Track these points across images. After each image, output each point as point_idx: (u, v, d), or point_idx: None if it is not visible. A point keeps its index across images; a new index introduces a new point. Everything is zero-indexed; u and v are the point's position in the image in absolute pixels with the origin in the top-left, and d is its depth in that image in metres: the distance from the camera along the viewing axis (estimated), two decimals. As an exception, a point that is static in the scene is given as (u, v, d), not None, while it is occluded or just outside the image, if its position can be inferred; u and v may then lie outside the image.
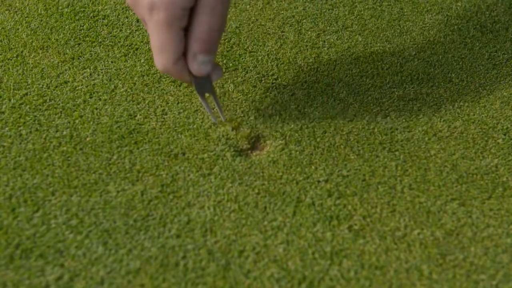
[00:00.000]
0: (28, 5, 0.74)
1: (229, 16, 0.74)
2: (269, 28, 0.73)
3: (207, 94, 0.60)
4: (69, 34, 0.71)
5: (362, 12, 0.76)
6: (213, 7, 0.55)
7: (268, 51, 0.70)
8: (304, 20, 0.74)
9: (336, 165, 0.58)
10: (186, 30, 0.55)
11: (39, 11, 0.74)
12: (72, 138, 0.60)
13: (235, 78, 0.67)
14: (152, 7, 0.53)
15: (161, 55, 0.56)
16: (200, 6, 0.54)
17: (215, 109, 0.63)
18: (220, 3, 0.55)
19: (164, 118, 0.62)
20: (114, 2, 0.75)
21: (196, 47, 0.56)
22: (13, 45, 0.69)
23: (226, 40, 0.71)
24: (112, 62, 0.68)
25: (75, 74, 0.66)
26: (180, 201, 0.55)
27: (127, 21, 0.73)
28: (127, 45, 0.70)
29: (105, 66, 0.67)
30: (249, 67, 0.68)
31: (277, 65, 0.68)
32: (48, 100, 0.63)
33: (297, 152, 0.59)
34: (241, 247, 0.52)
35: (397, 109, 0.64)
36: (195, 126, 0.61)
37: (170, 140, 0.60)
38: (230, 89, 0.65)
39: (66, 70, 0.67)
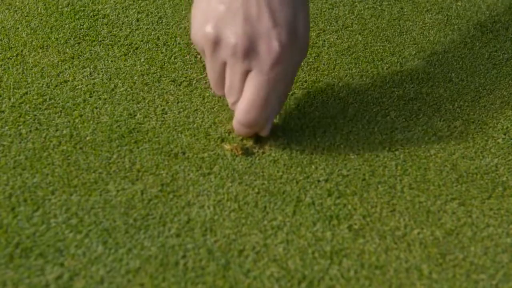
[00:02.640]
0: (28, 4, 0.74)
1: (229, 15, 0.74)
2: (269, 27, 0.73)
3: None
4: (69, 33, 0.71)
5: (362, 12, 0.76)
6: (294, 73, 0.56)
7: (268, 50, 0.70)
8: (304, 20, 0.74)
9: (336, 165, 0.58)
10: None
11: (39, 10, 0.74)
12: (72, 137, 0.59)
13: (235, 78, 0.67)
14: (279, 61, 0.52)
15: (261, 109, 0.54)
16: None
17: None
18: (297, 71, 0.57)
19: (164, 118, 0.62)
20: (114, 1, 0.75)
21: (278, 108, 0.57)
22: (13, 44, 0.69)
23: (226, 39, 0.71)
24: (112, 61, 0.68)
25: (75, 73, 0.66)
26: (180, 200, 0.55)
27: (127, 20, 0.73)
28: (127, 44, 0.70)
29: (105, 65, 0.67)
30: (249, 67, 0.68)
31: (277, 64, 0.68)
32: (48, 99, 0.63)
33: (297, 152, 0.59)
34: (241, 246, 0.52)
35: (397, 108, 0.64)
36: (195, 125, 0.61)
37: (170, 139, 0.60)
38: (230, 89, 0.65)
39: (66, 69, 0.67)
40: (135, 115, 0.62)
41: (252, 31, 0.52)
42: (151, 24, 0.73)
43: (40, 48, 0.69)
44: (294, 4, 0.53)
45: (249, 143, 0.60)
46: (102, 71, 0.67)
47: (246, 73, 0.54)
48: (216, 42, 0.53)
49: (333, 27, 0.74)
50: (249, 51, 0.52)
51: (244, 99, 0.54)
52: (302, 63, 0.69)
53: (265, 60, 0.52)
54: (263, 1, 0.52)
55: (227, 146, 0.59)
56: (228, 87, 0.55)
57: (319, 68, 0.68)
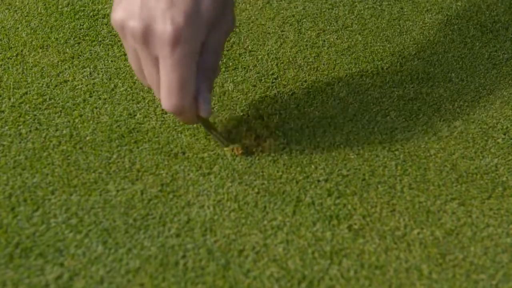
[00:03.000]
0: (28, 4, 0.74)
1: (229, 15, 0.74)
2: (269, 27, 0.73)
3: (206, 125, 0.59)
4: (69, 33, 0.71)
5: (362, 12, 0.76)
6: (218, 48, 0.53)
7: (268, 50, 0.70)
8: (304, 20, 0.74)
9: (336, 165, 0.58)
10: None
11: (39, 10, 0.74)
12: (72, 137, 0.59)
13: (235, 78, 0.67)
14: (177, 41, 0.49)
15: (179, 93, 0.52)
16: (207, 44, 0.52)
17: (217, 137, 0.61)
18: (223, 45, 0.53)
19: (164, 117, 0.62)
20: (114, 1, 0.75)
21: (204, 86, 0.54)
22: (13, 44, 0.69)
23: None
24: (112, 61, 0.68)
25: (75, 73, 0.66)
26: (180, 200, 0.55)
27: (127, 20, 0.73)
28: (127, 44, 0.70)
29: (105, 65, 0.67)
30: (249, 67, 0.68)
31: (277, 64, 0.68)
32: (48, 99, 0.63)
33: (297, 152, 0.59)
34: (240, 246, 0.52)
35: (397, 108, 0.64)
36: (195, 125, 0.61)
37: (170, 139, 0.60)
38: (229, 89, 0.65)
39: (66, 69, 0.67)
40: (135, 115, 0.62)
41: (148, 15, 0.49)
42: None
43: (40, 48, 0.69)
44: None
45: (249, 143, 0.60)
46: (102, 71, 0.67)
47: (156, 59, 0.51)
48: (121, 29, 0.51)
49: (333, 27, 0.74)
50: (147, 35, 0.50)
51: (162, 86, 0.52)
52: (302, 63, 0.69)
53: (163, 42, 0.50)
54: None
55: (226, 148, 0.59)
56: (147, 77, 0.53)
57: (319, 68, 0.68)
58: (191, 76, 0.52)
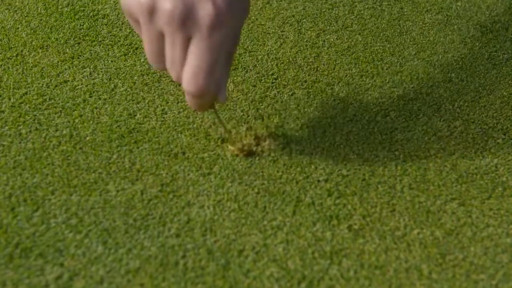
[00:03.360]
0: (28, 4, 0.74)
1: (229, 15, 0.74)
2: (269, 27, 0.73)
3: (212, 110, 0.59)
4: (69, 33, 0.71)
5: (362, 12, 0.76)
6: (237, 35, 0.53)
7: (268, 50, 0.70)
8: (304, 20, 0.74)
9: (336, 165, 0.58)
10: None
11: (39, 10, 0.74)
12: (72, 137, 0.59)
13: (234, 78, 0.67)
14: (217, 25, 0.49)
15: (208, 75, 0.51)
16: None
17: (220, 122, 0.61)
18: (240, 30, 0.53)
19: (164, 118, 0.62)
20: (113, 2, 0.75)
21: (227, 72, 0.53)
22: (13, 44, 0.69)
23: (226, 39, 0.71)
24: (112, 61, 0.68)
25: (75, 73, 0.66)
26: (180, 200, 0.55)
27: (127, 20, 0.73)
28: (127, 44, 0.70)
29: (105, 66, 0.67)
30: (248, 67, 0.68)
31: (277, 64, 0.68)
32: (47, 99, 0.63)
33: (297, 152, 0.59)
34: (240, 246, 0.52)
35: (397, 108, 0.64)
36: (195, 125, 0.61)
37: (170, 139, 0.60)
38: (229, 89, 0.65)
39: (66, 69, 0.67)
40: (135, 115, 0.62)
41: None
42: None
43: (40, 48, 0.69)
44: None
45: (249, 143, 0.60)
46: (102, 71, 0.67)
47: (187, 41, 0.50)
48: (151, 10, 0.50)
49: (333, 27, 0.74)
50: (186, 17, 0.49)
51: (189, 67, 0.51)
52: (302, 63, 0.69)
53: (203, 25, 0.49)
54: None
55: (228, 146, 0.59)
56: (170, 59, 0.52)
57: (319, 68, 0.68)
58: (222, 61, 0.51)
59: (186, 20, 0.49)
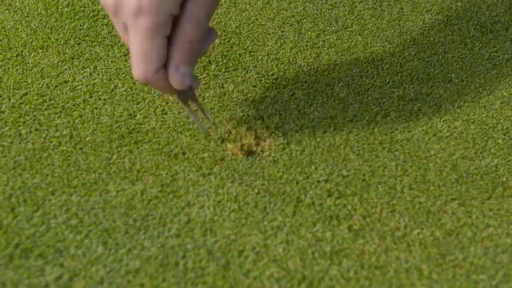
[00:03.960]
0: (28, 4, 0.74)
1: (229, 16, 0.74)
2: (269, 28, 0.73)
3: (190, 102, 0.58)
4: (69, 33, 0.71)
5: (362, 12, 0.76)
6: (199, 19, 0.53)
7: (268, 51, 0.70)
8: (304, 20, 0.74)
9: (336, 165, 0.58)
10: (168, 40, 0.53)
11: (39, 10, 0.74)
12: (72, 137, 0.60)
13: (235, 78, 0.67)
14: (138, 12, 0.51)
15: (143, 63, 0.53)
16: (184, 16, 0.52)
17: (201, 117, 0.61)
18: (204, 17, 0.53)
19: (164, 118, 0.62)
20: (114, 2, 0.75)
21: (178, 57, 0.54)
22: (13, 45, 0.69)
23: (226, 40, 0.71)
24: (112, 61, 0.68)
25: (75, 74, 0.66)
26: (180, 200, 0.55)
27: (127, 20, 0.73)
28: (127, 44, 0.70)
29: (105, 66, 0.67)
30: (249, 67, 0.68)
31: (277, 65, 0.68)
32: (48, 100, 0.63)
33: (297, 152, 0.59)
34: (241, 247, 0.52)
35: (397, 109, 0.64)
36: (195, 125, 0.61)
37: (170, 139, 0.60)
38: (230, 89, 0.65)
39: (66, 69, 0.67)
40: (135, 116, 0.62)
41: None
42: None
43: (40, 49, 0.69)
44: None
45: (249, 143, 0.60)
46: (102, 72, 0.67)
47: (126, 29, 0.53)
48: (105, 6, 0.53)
49: (333, 28, 0.74)
50: (116, 7, 0.52)
51: (131, 55, 0.54)
52: (302, 63, 0.69)
53: (128, 13, 0.51)
54: None
55: (227, 147, 0.59)
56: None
57: (319, 69, 0.68)
58: (156, 47, 0.52)
59: (116, 10, 0.52)
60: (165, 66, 0.54)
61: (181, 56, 0.54)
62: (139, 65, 0.53)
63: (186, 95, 0.57)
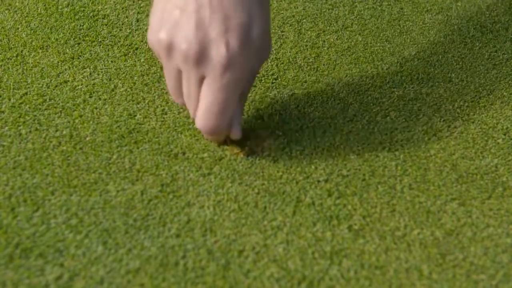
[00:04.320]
0: (27, 4, 0.74)
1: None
2: (269, 27, 0.73)
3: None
4: (69, 33, 0.71)
5: (362, 12, 0.76)
6: (254, 75, 0.56)
7: (268, 50, 0.70)
8: (304, 20, 0.74)
9: (336, 165, 0.58)
10: None
11: (39, 10, 0.74)
12: (72, 137, 0.60)
13: (235, 78, 0.67)
14: (229, 66, 0.51)
15: (219, 115, 0.54)
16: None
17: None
18: (257, 72, 0.56)
19: (164, 118, 0.62)
20: (114, 2, 0.75)
21: (239, 110, 0.57)
22: (13, 45, 0.69)
23: (226, 39, 0.71)
24: (112, 61, 0.68)
25: (75, 74, 0.66)
26: (180, 200, 0.55)
27: (127, 20, 0.73)
28: (127, 44, 0.70)
29: (105, 66, 0.67)
30: (249, 67, 0.68)
31: (277, 64, 0.68)
32: (48, 100, 0.63)
33: (297, 152, 0.59)
34: (240, 246, 0.52)
35: (397, 109, 0.64)
36: (195, 125, 0.61)
37: (170, 139, 0.60)
38: (230, 89, 0.65)
39: (66, 69, 0.67)
40: (135, 116, 0.62)
41: (203, 36, 0.51)
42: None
43: (40, 49, 0.69)
44: (249, 7, 0.52)
45: (249, 143, 0.60)
46: (102, 72, 0.67)
47: (201, 79, 0.53)
48: (169, 48, 0.52)
49: (333, 28, 0.74)
50: (201, 57, 0.51)
51: (201, 106, 0.54)
52: (302, 63, 0.69)
53: (215, 66, 0.51)
54: (216, 7, 0.50)
55: (227, 146, 0.59)
56: (186, 95, 0.55)
57: (319, 68, 0.68)
58: (234, 101, 0.54)
59: (199, 60, 0.51)
60: None
61: (241, 108, 0.57)
62: (215, 117, 0.54)
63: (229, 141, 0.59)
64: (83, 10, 0.74)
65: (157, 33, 0.52)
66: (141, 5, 0.76)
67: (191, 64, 0.52)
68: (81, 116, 0.62)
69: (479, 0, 0.79)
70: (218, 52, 0.51)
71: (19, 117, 0.61)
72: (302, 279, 0.50)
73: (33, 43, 0.69)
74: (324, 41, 0.72)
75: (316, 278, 0.50)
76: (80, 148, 0.59)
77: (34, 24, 0.72)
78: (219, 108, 0.53)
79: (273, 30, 0.73)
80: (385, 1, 0.78)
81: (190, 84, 0.54)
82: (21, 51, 0.68)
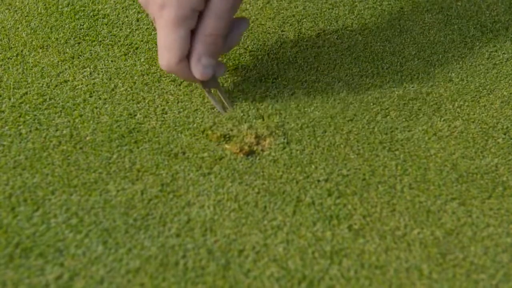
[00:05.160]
0: (28, 4, 0.74)
1: (229, 15, 0.74)
2: (269, 27, 0.73)
3: (213, 90, 0.62)
4: (69, 33, 0.71)
5: (362, 12, 0.76)
6: (222, 12, 0.56)
7: (268, 50, 0.70)
8: (304, 20, 0.74)
9: (336, 165, 0.58)
10: (193, 33, 0.56)
11: (39, 10, 0.74)
12: (72, 137, 0.60)
13: (235, 77, 0.67)
14: (163, 5, 0.54)
15: (166, 53, 0.57)
16: (208, 10, 0.55)
17: (223, 103, 0.63)
18: (227, 11, 0.56)
19: (164, 117, 0.62)
20: (114, 1, 0.75)
21: (200, 49, 0.57)
22: (13, 44, 0.69)
23: (226, 39, 0.71)
24: (112, 61, 0.68)
25: (75, 73, 0.66)
26: (180, 200, 0.55)
27: (127, 20, 0.73)
28: (127, 44, 0.70)
29: (105, 65, 0.67)
30: (249, 67, 0.68)
31: (277, 64, 0.68)
32: (48, 99, 0.63)
33: (297, 152, 0.59)
34: (241, 246, 0.52)
35: (397, 108, 0.64)
36: (195, 125, 0.61)
37: (170, 139, 0.60)
38: (230, 89, 0.65)
39: (66, 69, 0.67)
40: (135, 115, 0.62)
41: None
42: (151, 24, 0.73)
43: (40, 48, 0.69)
44: None
45: (250, 143, 0.60)
46: (102, 71, 0.67)
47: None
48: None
49: (333, 27, 0.74)
50: (145, 2, 0.56)
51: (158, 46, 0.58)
52: (302, 62, 0.69)
53: (153, 7, 0.55)
54: None
55: (227, 146, 0.59)
56: None
57: (319, 68, 0.68)
58: (178, 39, 0.56)
59: (145, 5, 0.57)
60: (187, 57, 0.57)
61: (204, 48, 0.57)
62: (163, 55, 0.57)
63: (210, 84, 0.61)
64: (83, 9, 0.74)
65: None
66: (141, 4, 0.76)
67: (144, 7, 0.57)
68: (81, 115, 0.62)
69: (479, 0, 0.79)
70: None
71: (19, 116, 0.61)
72: (302, 279, 0.50)
73: (33, 43, 0.69)
74: (324, 41, 0.72)
75: (316, 278, 0.50)
76: (80, 148, 0.59)
77: (34, 24, 0.72)
78: (164, 46, 0.56)
79: (273, 30, 0.73)
80: (385, 0, 0.78)
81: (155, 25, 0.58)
82: (21, 51, 0.68)
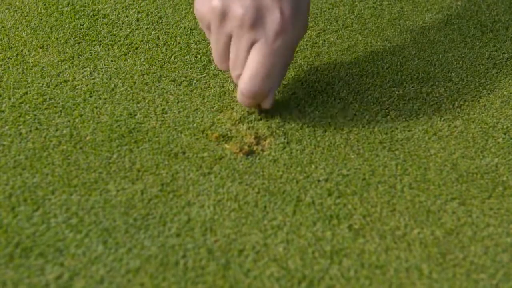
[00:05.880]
0: (28, 4, 0.74)
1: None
2: (269, 27, 0.73)
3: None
4: (69, 33, 0.71)
5: (362, 11, 0.76)
6: (294, 45, 0.58)
7: (268, 50, 0.70)
8: (304, 19, 0.74)
9: (336, 164, 0.58)
10: None
11: (39, 10, 0.74)
12: (72, 137, 0.59)
13: (235, 77, 0.67)
14: (282, 31, 0.54)
15: (264, 80, 0.56)
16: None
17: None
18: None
19: (164, 117, 0.62)
20: (114, 1, 0.75)
21: (280, 81, 0.59)
22: (13, 44, 0.69)
23: (226, 39, 0.71)
24: (112, 61, 0.68)
25: (75, 73, 0.66)
26: (180, 200, 0.55)
27: (127, 20, 0.73)
28: (127, 44, 0.70)
29: (105, 65, 0.67)
30: (249, 66, 0.68)
31: (277, 64, 0.68)
32: (48, 99, 0.63)
33: (298, 151, 0.59)
34: (241, 246, 0.52)
35: (397, 108, 0.64)
36: (195, 125, 0.61)
37: (170, 139, 0.60)
38: (230, 88, 0.65)
39: (66, 69, 0.67)
40: (135, 115, 0.62)
41: (258, 3, 0.54)
42: (151, 23, 0.73)
43: (40, 48, 0.69)
44: None
45: (250, 142, 0.60)
46: (102, 71, 0.67)
47: (252, 45, 0.55)
48: (223, 15, 0.55)
49: (333, 27, 0.74)
50: (256, 22, 0.54)
51: (248, 69, 0.56)
52: (302, 62, 0.69)
53: (269, 30, 0.54)
54: None
55: (227, 146, 0.59)
56: (233, 60, 0.57)
57: (319, 68, 0.68)
58: (278, 69, 0.57)
59: (254, 25, 0.54)
60: None
61: (281, 78, 0.59)
62: (260, 81, 0.56)
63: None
64: (83, 9, 0.74)
65: (210, 2, 0.55)
66: (141, 4, 0.76)
67: (246, 29, 0.54)
68: (81, 115, 0.62)
69: (479, 0, 0.79)
70: (272, 18, 0.54)
71: (19, 116, 0.61)
72: (302, 279, 0.50)
73: (33, 43, 0.69)
74: (324, 41, 0.72)
75: (316, 278, 0.50)
76: (80, 148, 0.59)
77: (34, 24, 0.72)
78: (266, 72, 0.55)
79: (273, 30, 0.73)
80: (385, 0, 0.78)
81: (239, 48, 0.56)
82: (21, 51, 0.68)
